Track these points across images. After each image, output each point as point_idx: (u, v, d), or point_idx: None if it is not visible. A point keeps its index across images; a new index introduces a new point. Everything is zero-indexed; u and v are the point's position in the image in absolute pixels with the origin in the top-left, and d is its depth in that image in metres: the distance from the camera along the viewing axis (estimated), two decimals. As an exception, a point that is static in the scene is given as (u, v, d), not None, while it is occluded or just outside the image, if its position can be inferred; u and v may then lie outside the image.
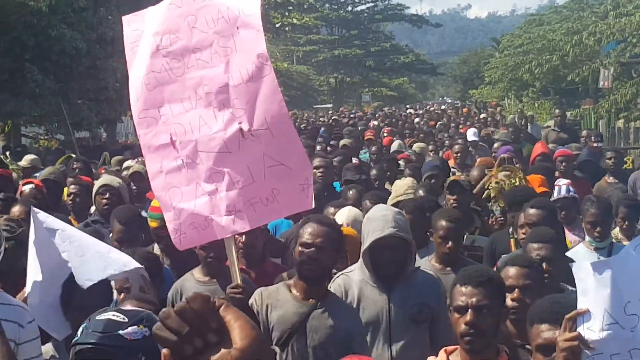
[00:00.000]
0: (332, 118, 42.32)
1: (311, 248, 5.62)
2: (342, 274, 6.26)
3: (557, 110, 21.14)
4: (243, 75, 5.11)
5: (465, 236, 8.08)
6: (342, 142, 18.15)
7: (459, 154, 15.58)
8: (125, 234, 7.63)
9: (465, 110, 50.01)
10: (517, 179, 9.50)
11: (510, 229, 8.13)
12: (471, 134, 20.88)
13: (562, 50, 40.44)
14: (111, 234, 7.86)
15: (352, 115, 47.65)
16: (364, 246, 6.06)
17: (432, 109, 64.95)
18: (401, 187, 9.87)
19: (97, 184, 9.77)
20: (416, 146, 18.50)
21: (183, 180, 5.26)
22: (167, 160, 5.31)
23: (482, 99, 64.45)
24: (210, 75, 5.24)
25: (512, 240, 8.00)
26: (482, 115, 34.29)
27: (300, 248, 5.67)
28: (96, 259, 5.39)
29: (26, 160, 15.21)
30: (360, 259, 6.20)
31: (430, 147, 19.11)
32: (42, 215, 5.51)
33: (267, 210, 5.19)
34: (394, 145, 18.92)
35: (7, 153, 16.01)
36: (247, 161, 5.11)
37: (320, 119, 52.14)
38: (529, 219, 7.20)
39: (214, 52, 5.25)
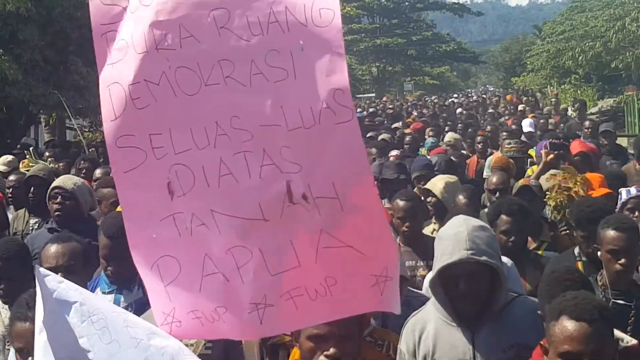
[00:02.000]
0: (370, 110, 41.17)
1: None
2: (414, 314, 4.96)
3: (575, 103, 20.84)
4: (305, 115, 3.42)
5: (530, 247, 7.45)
6: (380, 137, 17.20)
7: (480, 145, 14.90)
8: (113, 250, 5.87)
9: (509, 97, 49.47)
10: (575, 183, 8.21)
11: (577, 250, 6.82)
12: (527, 125, 19.84)
13: (604, 36, 40.16)
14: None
15: (390, 106, 47.02)
16: (432, 274, 4.71)
17: (473, 97, 64.53)
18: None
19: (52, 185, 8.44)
20: (449, 136, 16.89)
21: (183, 249, 3.67)
22: (159, 217, 3.68)
23: (525, 86, 64.12)
24: (246, 104, 3.52)
25: (579, 264, 6.62)
26: (520, 107, 33.56)
27: None
28: (131, 348, 3.53)
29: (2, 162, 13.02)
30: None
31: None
32: (51, 281, 3.51)
33: (313, 307, 3.56)
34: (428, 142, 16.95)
35: (31, 149, 14.79)
36: (291, 236, 3.53)
37: (359, 108, 52.08)
38: (615, 244, 5.65)
39: (256, 72, 3.51)
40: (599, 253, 5.79)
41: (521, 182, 9.04)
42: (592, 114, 36.22)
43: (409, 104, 52.77)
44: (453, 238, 4.55)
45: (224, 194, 3.57)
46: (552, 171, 8.93)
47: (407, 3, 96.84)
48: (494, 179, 9.26)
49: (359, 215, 3.44)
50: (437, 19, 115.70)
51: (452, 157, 12.48)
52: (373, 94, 78.16)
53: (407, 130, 20.45)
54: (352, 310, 3.64)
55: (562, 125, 21.69)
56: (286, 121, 3.44)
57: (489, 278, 4.57)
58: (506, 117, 29.70)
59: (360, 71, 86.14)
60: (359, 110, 44.04)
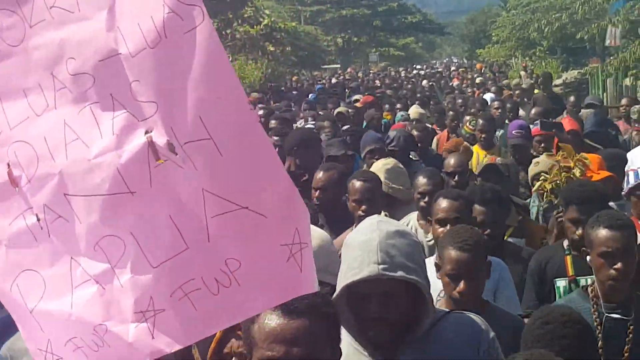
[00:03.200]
0: (333, 81, 40.22)
1: None
2: None
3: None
4: (147, 30, 2.56)
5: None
6: (337, 110, 16.38)
7: (451, 120, 14.08)
8: None
9: (479, 66, 49.41)
10: (575, 163, 7.18)
11: (566, 242, 5.94)
12: (488, 100, 18.37)
13: (570, 8, 40.34)
14: None
15: (348, 78, 46.44)
16: (336, 293, 3.51)
17: (439, 69, 64.55)
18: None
19: None
20: (412, 112, 15.76)
21: (44, 256, 2.80)
22: (6, 219, 2.85)
23: (490, 58, 64.31)
24: (78, 36, 2.70)
25: (567, 258, 5.86)
26: (477, 79, 32.79)
27: None
28: None
29: None
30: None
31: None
32: None
33: (218, 305, 2.61)
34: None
35: None
36: (168, 208, 2.61)
37: (319, 80, 51.94)
38: (608, 246, 4.72)
39: None
40: (588, 258, 4.86)
41: (485, 159, 8.28)
42: (556, 85, 36.46)
43: (370, 74, 52.85)
44: (362, 247, 3.44)
45: (75, 168, 2.69)
46: (543, 159, 8.20)
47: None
48: (451, 161, 8.45)
49: (245, 161, 2.54)
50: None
51: (414, 132, 11.73)
52: (338, 65, 78.06)
53: (359, 104, 19.07)
54: (270, 301, 2.64)
55: (525, 99, 21.44)
56: (127, 45, 2.59)
57: (408, 297, 3.47)
58: (469, 91, 29.60)
59: (326, 42, 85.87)
60: (322, 82, 44.10)
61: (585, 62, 41.08)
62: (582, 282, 5.61)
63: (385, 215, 7.44)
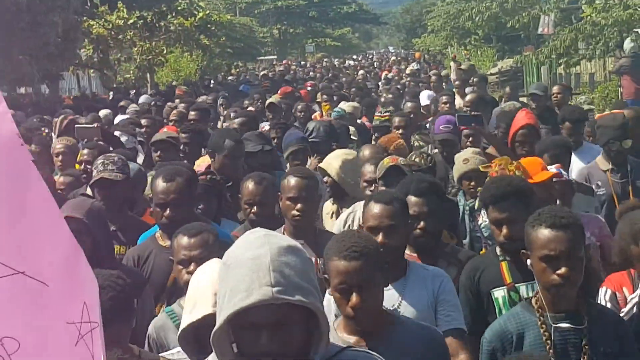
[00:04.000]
0: (262, 73, 39.66)
1: None
2: None
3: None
4: None
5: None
6: (268, 101, 15.47)
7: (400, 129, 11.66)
8: None
9: (417, 55, 49.50)
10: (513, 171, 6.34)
11: (498, 249, 5.38)
12: (425, 97, 17.21)
13: (501, -3, 40.72)
14: None
15: (281, 69, 45.80)
16: (217, 325, 2.82)
17: (375, 59, 64.41)
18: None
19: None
20: (346, 105, 14.72)
21: None
22: None
23: (426, 47, 64.63)
24: None
25: (503, 265, 5.30)
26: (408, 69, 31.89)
27: None
28: None
29: None
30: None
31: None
32: None
33: None
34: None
35: None
36: None
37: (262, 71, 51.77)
38: (551, 248, 4.23)
39: None
40: (528, 262, 4.35)
41: (387, 160, 7.11)
42: (491, 74, 36.74)
43: (308, 65, 52.83)
44: (250, 266, 2.79)
45: None
46: (472, 156, 7.69)
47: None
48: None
49: (21, 219, 2.25)
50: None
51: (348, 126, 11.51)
52: (274, 56, 77.93)
53: (277, 96, 17.53)
54: None
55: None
56: None
57: (304, 327, 2.86)
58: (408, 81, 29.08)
59: (262, 33, 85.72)
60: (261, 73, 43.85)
61: (520, 50, 41.44)
62: (523, 289, 5.15)
63: (333, 204, 7.76)
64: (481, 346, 4.45)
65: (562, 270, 4.14)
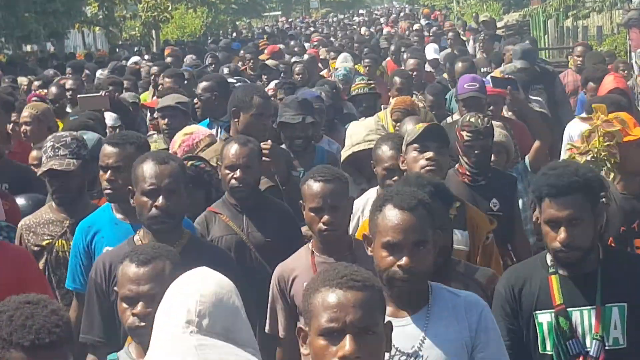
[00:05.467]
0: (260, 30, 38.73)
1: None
2: None
3: None
4: None
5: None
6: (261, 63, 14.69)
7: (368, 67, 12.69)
8: None
9: (425, 11, 48.87)
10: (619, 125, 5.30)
11: (549, 258, 4.28)
12: (431, 51, 16.20)
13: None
14: None
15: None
16: None
17: (378, 16, 63.59)
18: (359, 132, 7.17)
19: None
20: (340, 64, 13.81)
21: None
22: None
23: (431, 2, 64.17)
24: None
25: (553, 279, 4.22)
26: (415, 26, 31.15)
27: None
28: None
29: None
30: None
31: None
32: None
33: None
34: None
35: None
36: None
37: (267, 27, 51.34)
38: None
39: None
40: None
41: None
42: (497, 28, 36.53)
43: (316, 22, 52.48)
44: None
45: None
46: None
47: None
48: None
49: None
50: None
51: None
52: (279, 12, 77.55)
53: (265, 55, 16.77)
54: None
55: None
56: None
57: None
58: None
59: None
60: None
61: (527, 3, 41.17)
62: (576, 315, 4.15)
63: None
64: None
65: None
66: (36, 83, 13.66)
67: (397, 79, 10.35)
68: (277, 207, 5.92)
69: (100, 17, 35.26)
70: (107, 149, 5.34)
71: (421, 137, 5.36)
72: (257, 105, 6.71)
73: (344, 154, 7.16)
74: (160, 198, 4.64)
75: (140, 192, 4.70)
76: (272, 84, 11.24)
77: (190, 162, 5.97)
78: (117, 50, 31.80)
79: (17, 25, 22.51)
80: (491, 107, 8.44)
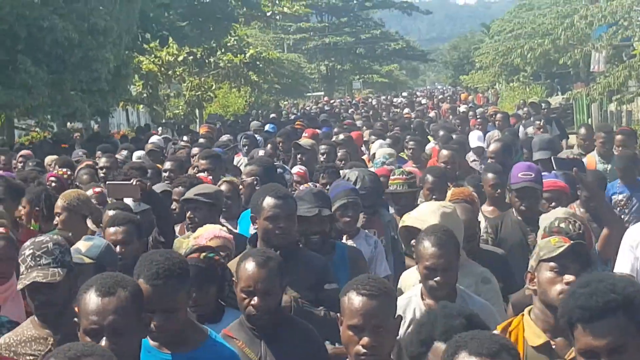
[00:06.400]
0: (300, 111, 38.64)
1: None
2: None
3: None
4: None
5: None
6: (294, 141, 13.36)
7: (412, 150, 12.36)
8: None
9: (464, 96, 48.69)
10: None
11: None
12: (475, 138, 15.55)
13: (552, 34, 40.44)
14: None
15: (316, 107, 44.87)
16: None
17: (419, 99, 63.40)
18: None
19: None
20: (378, 151, 12.54)
21: None
22: None
23: (474, 84, 64.38)
24: None
25: None
26: (462, 108, 30.93)
27: None
28: None
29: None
30: None
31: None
32: None
33: None
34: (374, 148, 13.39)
35: None
36: None
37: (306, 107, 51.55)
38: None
39: None
40: None
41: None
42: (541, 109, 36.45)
43: (350, 102, 52.52)
44: None
45: None
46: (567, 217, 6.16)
47: (355, 1, 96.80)
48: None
49: None
50: (386, 18, 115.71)
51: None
52: (322, 93, 78.16)
53: (305, 139, 15.14)
54: None
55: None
56: None
57: None
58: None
59: (309, 70, 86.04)
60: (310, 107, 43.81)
61: (570, 87, 41.16)
62: None
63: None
64: None
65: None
66: (53, 162, 12.86)
67: (429, 177, 9.06)
68: (299, 327, 5.19)
69: (145, 95, 35.67)
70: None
71: (561, 257, 4.63)
72: (268, 208, 6.02)
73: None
74: (104, 339, 3.83)
75: (82, 330, 3.91)
76: (296, 169, 10.94)
77: (203, 254, 5.51)
78: (159, 129, 32.04)
79: (63, 103, 22.72)
80: (553, 204, 7.77)
